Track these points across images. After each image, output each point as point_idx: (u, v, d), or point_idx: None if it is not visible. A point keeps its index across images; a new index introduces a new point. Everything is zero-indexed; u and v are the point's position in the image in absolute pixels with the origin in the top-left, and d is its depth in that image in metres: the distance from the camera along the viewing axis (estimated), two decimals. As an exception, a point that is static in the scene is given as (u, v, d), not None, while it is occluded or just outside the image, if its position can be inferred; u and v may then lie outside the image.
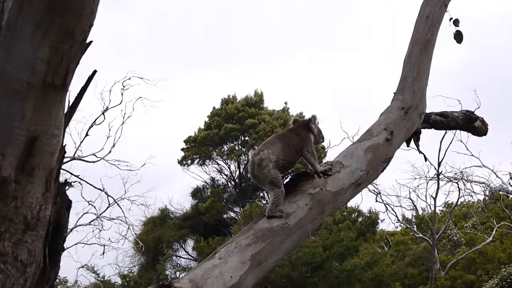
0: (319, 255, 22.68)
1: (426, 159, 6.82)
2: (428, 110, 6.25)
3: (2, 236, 2.85)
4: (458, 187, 27.98)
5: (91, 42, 2.91)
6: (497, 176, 37.92)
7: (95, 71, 3.31)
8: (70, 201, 3.47)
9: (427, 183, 32.46)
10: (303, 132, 5.39)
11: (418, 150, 6.23)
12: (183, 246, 32.92)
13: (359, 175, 5.21)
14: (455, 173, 30.41)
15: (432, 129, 6.39)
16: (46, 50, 2.72)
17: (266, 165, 4.98)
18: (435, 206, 24.39)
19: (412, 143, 6.16)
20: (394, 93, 6.06)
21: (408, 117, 5.82)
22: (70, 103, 3.21)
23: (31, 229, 2.92)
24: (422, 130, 6.19)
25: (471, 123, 6.44)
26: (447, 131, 19.15)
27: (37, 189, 2.91)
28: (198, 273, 4.07)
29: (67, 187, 3.40)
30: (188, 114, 52.40)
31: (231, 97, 35.17)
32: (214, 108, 34.70)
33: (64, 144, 3.10)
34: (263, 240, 4.42)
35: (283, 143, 5.15)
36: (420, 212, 36.21)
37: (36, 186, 2.90)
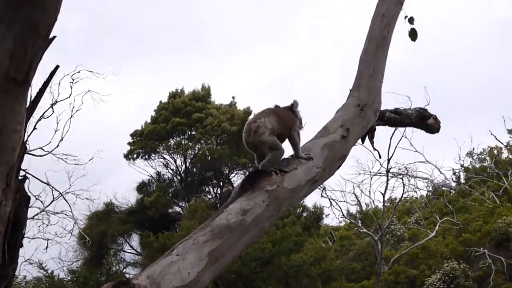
0: (268, 251, 22.75)
1: (380, 156, 6.88)
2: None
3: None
4: (403, 182, 28.28)
5: (54, 37, 2.85)
6: (440, 172, 38.47)
7: (57, 66, 3.25)
8: (29, 197, 3.42)
9: (371, 179, 32.75)
10: (291, 114, 5.47)
11: (373, 147, 6.27)
12: (128, 241, 32.71)
13: (315, 172, 5.22)
14: (399, 169, 30.72)
15: (387, 126, 6.43)
16: (9, 44, 2.66)
17: (263, 132, 5.09)
18: (384, 202, 24.66)
19: (367, 140, 6.19)
20: (350, 90, 6.07)
21: (364, 114, 5.85)
22: (32, 98, 3.15)
23: (-9, 225, 2.86)
24: (377, 127, 6.22)
25: (425, 121, 6.50)
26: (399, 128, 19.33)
27: (-3, 185, 2.85)
28: (156, 270, 4.03)
29: (25, 183, 3.34)
30: (135, 108, 52.02)
31: (178, 91, 35.01)
32: (161, 102, 34.51)
33: (25, 140, 3.03)
34: (220, 236, 4.40)
35: (277, 116, 5.25)
36: (364, 207, 36.55)
37: (-4, 182, 2.84)
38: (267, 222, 4.76)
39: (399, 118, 6.36)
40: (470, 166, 40.55)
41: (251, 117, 5.36)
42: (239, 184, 4.97)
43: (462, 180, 40.15)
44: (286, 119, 5.33)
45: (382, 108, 6.27)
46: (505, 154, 40.57)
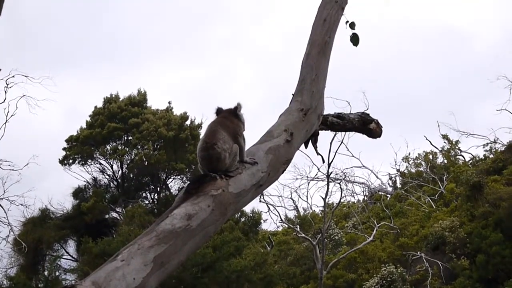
0: (209, 256, 22.70)
1: (324, 161, 6.90)
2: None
3: None
4: (341, 187, 28.52)
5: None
6: (377, 177, 39.01)
7: (-2, 69, 3.18)
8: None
9: (308, 183, 32.97)
10: (235, 120, 5.42)
11: (316, 151, 6.28)
12: (64, 247, 32.32)
13: (260, 176, 5.21)
14: (337, 174, 30.99)
15: (329, 130, 6.45)
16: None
17: (224, 158, 5.01)
18: (324, 207, 24.79)
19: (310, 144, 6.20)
20: (293, 94, 6.08)
21: (307, 118, 5.86)
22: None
23: None
24: (320, 131, 6.24)
25: (367, 125, 6.54)
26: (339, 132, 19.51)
27: None
28: (101, 275, 3.97)
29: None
30: (70, 113, 51.48)
31: (113, 96, 34.73)
32: (96, 107, 34.19)
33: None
34: (165, 242, 4.35)
35: (225, 128, 5.20)
36: (302, 212, 36.78)
37: None
38: (212, 227, 4.74)
39: (341, 123, 6.39)
40: (406, 171, 41.12)
41: (202, 136, 5.29)
42: (184, 188, 4.93)
43: (399, 185, 40.72)
44: (231, 127, 5.29)
45: (324, 112, 6.30)
46: (440, 159, 41.22)
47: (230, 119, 5.40)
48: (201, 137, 5.38)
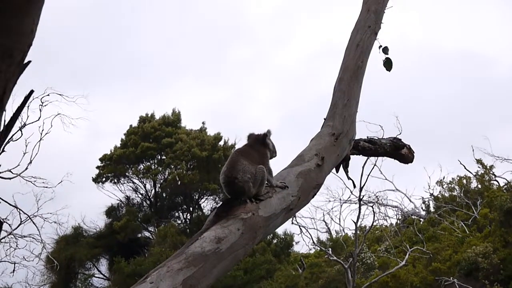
0: (240, 278, 22.67)
1: (355, 185, 6.87)
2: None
3: None
4: (373, 210, 28.30)
5: (29, 62, 2.82)
6: (410, 201, 38.67)
7: (32, 91, 3.22)
8: (1, 222, 3.36)
9: (341, 206, 32.82)
10: (261, 148, 5.37)
11: (348, 176, 6.27)
12: (96, 266, 32.46)
13: (290, 200, 5.20)
14: (369, 197, 30.81)
15: (361, 155, 6.44)
16: (-17, 70, 2.63)
17: (248, 188, 4.97)
18: (356, 230, 24.62)
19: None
20: (325, 119, 6.08)
21: (339, 143, 5.86)
22: (6, 123, 3.12)
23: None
24: (351, 156, 6.23)
25: (398, 150, 6.52)
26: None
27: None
28: (130, 298, 4.00)
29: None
30: (105, 132, 51.83)
31: (149, 115, 34.96)
32: (131, 126, 34.43)
33: (-1, 164, 2.99)
34: (194, 264, 4.36)
35: (247, 160, 5.13)
36: (334, 234, 36.58)
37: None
38: (242, 251, 4.73)
39: (373, 148, 6.38)
40: (439, 195, 40.78)
41: (223, 167, 5.24)
42: (214, 211, 4.93)
43: (432, 209, 40.35)
44: (255, 156, 5.23)
45: (356, 137, 6.29)
46: (474, 184, 40.83)
47: (255, 148, 5.37)
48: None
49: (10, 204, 23.94)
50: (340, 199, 32.95)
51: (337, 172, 6.17)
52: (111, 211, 33.42)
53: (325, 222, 35.89)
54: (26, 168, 24.83)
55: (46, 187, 25.57)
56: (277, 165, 5.44)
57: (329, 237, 35.57)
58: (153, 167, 33.37)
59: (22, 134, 24.61)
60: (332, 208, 39.87)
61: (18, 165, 24.76)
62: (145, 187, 34.01)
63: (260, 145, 5.40)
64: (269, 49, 67.37)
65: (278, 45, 68.03)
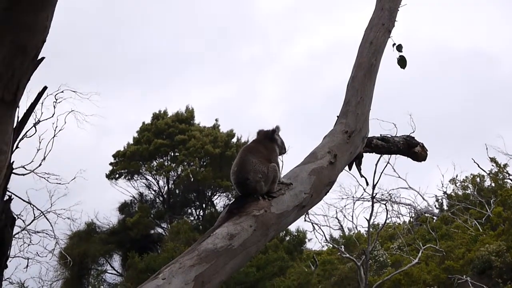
0: (253, 275, 22.67)
1: (367, 183, 6.86)
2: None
3: None
4: (386, 208, 28.24)
5: (43, 58, 2.83)
6: (423, 199, 38.58)
7: (45, 87, 3.23)
8: (14, 218, 3.38)
9: (354, 203, 32.77)
10: (269, 144, 5.37)
11: (360, 174, 6.26)
12: (109, 261, 32.53)
13: (303, 197, 5.20)
14: (382, 194, 30.74)
15: (374, 153, 6.43)
16: (-3, 65, 2.64)
17: (261, 188, 4.98)
18: (368, 228, 24.59)
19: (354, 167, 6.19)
20: (338, 116, 6.08)
21: (352, 141, 5.85)
22: (19, 119, 3.12)
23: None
24: (364, 154, 6.22)
25: (412, 148, 6.50)
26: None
27: (-17, 206, 2.82)
28: (142, 294, 4.01)
29: (10, 203, 3.30)
30: (118, 128, 51.91)
31: (162, 112, 35.00)
32: (144, 123, 34.49)
33: (12, 161, 3.00)
34: (207, 261, 4.36)
35: (257, 156, 5.13)
36: (347, 232, 36.52)
37: (-18, 204, 2.81)
38: (254, 247, 4.74)
39: (386, 146, 6.36)
40: (453, 193, 40.63)
41: (233, 167, 5.22)
42: (226, 208, 4.94)
43: (445, 207, 40.22)
44: (264, 153, 5.22)
45: (369, 135, 6.28)
46: (487, 182, 40.67)
47: (264, 143, 5.36)
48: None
49: (24, 200, 24.05)
50: (353, 197, 32.89)
51: (350, 169, 6.16)
52: (124, 207, 33.51)
53: (338, 220, 35.85)
54: (40, 165, 24.94)
55: (60, 183, 25.67)
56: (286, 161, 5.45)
57: (341, 234, 35.51)
58: (166, 163, 33.42)
59: (36, 130, 24.71)
60: (345, 206, 39.70)
61: (32, 161, 24.87)
62: (158, 183, 34.10)
63: (269, 141, 5.40)
64: (277, 47, 67.22)
65: (285, 43, 67.80)
